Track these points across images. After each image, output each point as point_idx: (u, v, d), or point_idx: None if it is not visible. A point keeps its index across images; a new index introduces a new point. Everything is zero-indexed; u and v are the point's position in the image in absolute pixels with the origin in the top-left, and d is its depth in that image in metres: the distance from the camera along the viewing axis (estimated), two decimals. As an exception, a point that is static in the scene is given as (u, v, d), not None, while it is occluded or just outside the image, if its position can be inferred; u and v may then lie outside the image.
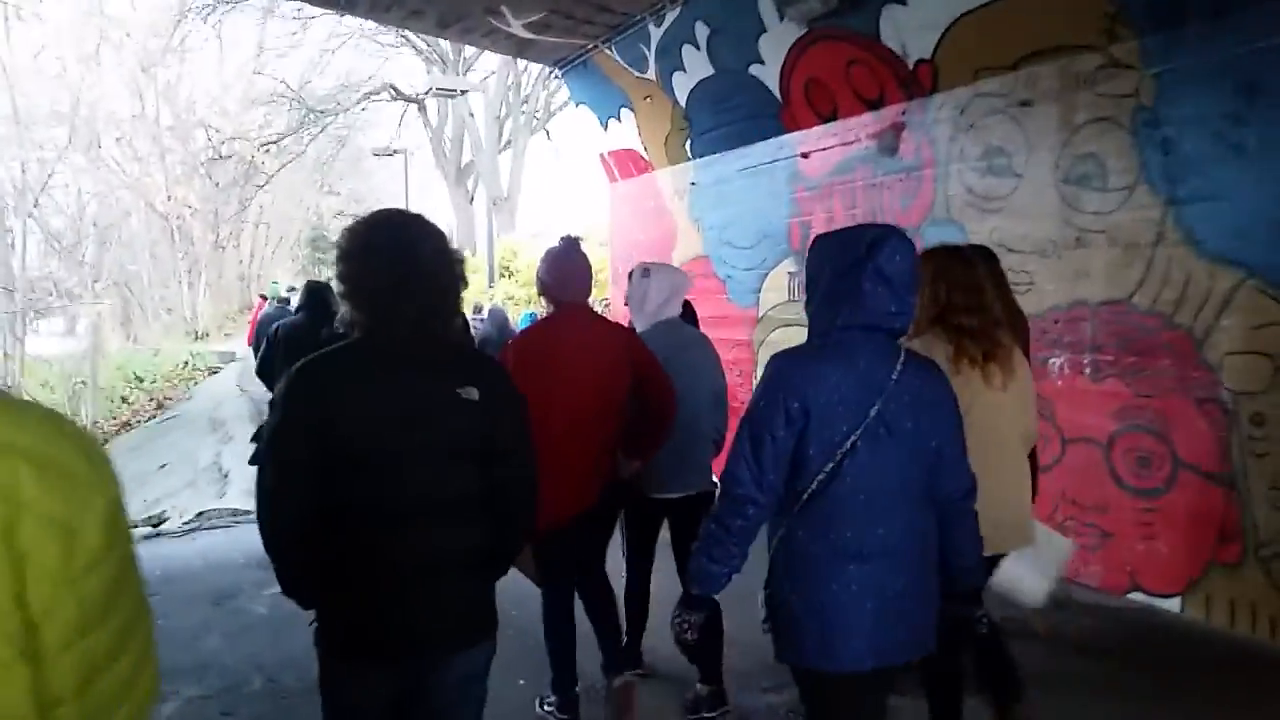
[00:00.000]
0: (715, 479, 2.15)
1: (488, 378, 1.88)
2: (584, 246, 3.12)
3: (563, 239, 3.12)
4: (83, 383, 16.76)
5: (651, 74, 7.06)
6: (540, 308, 4.24)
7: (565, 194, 37.02)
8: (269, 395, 3.76)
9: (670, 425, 3.01)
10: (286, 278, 23.07)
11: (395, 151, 22.10)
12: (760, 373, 1.97)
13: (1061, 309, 4.48)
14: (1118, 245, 4.22)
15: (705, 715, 3.17)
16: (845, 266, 1.87)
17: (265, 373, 5.64)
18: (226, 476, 9.06)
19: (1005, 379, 2.58)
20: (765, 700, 3.28)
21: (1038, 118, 4.57)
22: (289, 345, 5.20)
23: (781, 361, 1.93)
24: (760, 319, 6.71)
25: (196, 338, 25.82)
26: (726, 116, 6.74)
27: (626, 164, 8.33)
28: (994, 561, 2.64)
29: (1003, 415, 2.59)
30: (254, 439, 6.62)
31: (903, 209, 5.40)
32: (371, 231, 1.83)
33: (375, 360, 1.80)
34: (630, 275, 3.47)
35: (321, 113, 25.07)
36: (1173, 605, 4.04)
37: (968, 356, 2.54)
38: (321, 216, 32.16)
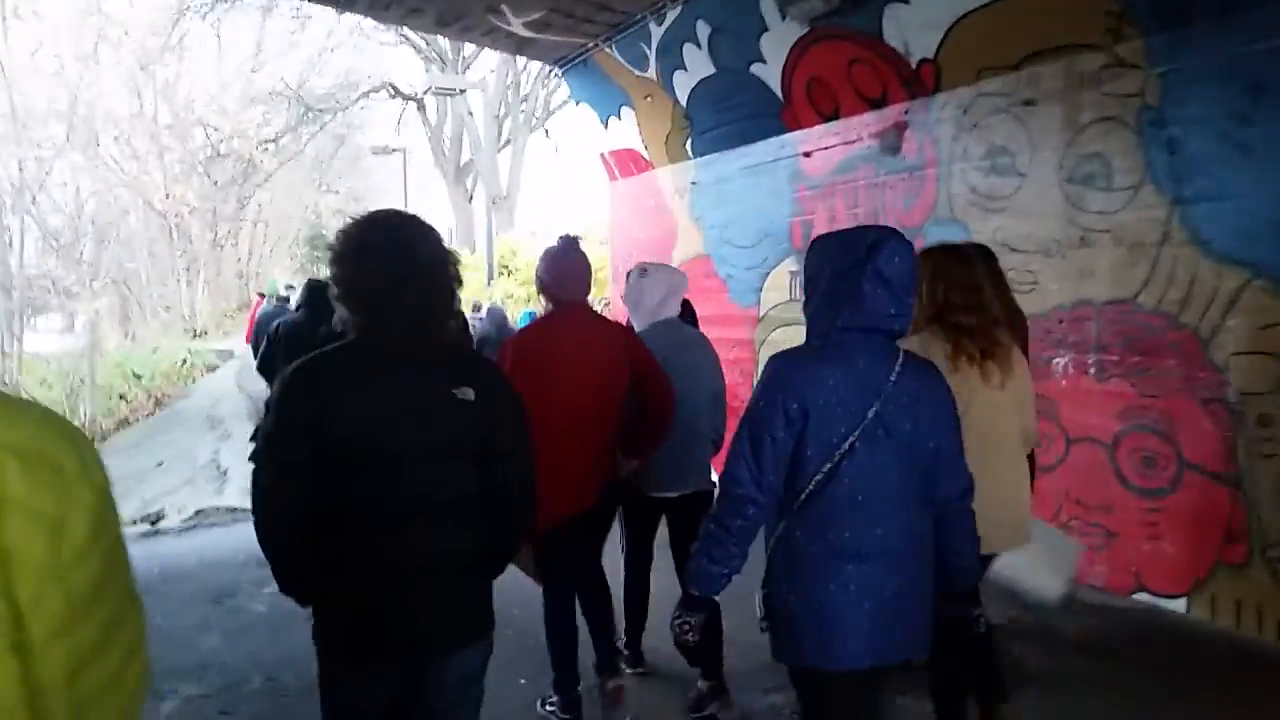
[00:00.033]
0: (714, 478, 2.14)
1: (484, 378, 1.88)
2: (583, 245, 3.13)
3: (561, 238, 3.12)
4: (81, 380, 16.72)
5: (652, 73, 7.04)
6: (539, 306, 4.23)
7: (564, 193, 37.04)
8: (268, 392, 3.76)
9: (669, 425, 3.01)
10: (285, 276, 23.06)
11: (394, 150, 22.07)
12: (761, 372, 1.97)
13: (1066, 309, 4.46)
14: (1123, 245, 4.21)
15: (709, 711, 3.17)
16: (845, 268, 1.89)
17: (266, 370, 5.67)
18: (225, 474, 9.04)
19: (1003, 377, 2.60)
20: (768, 701, 3.27)
21: (1042, 117, 4.56)
22: (290, 343, 5.26)
23: (780, 362, 1.94)
24: (761, 318, 6.69)
25: (195, 335, 25.74)
26: (728, 115, 6.72)
27: (627, 163, 8.30)
28: (988, 560, 2.64)
29: (1001, 414, 2.60)
30: (253, 437, 6.61)
31: (905, 208, 5.38)
32: (366, 233, 1.82)
33: (372, 361, 1.80)
34: (628, 276, 3.49)
35: (320, 111, 25.05)
36: (1178, 606, 4.03)
37: (966, 355, 2.56)
38: (320, 215, 32.09)
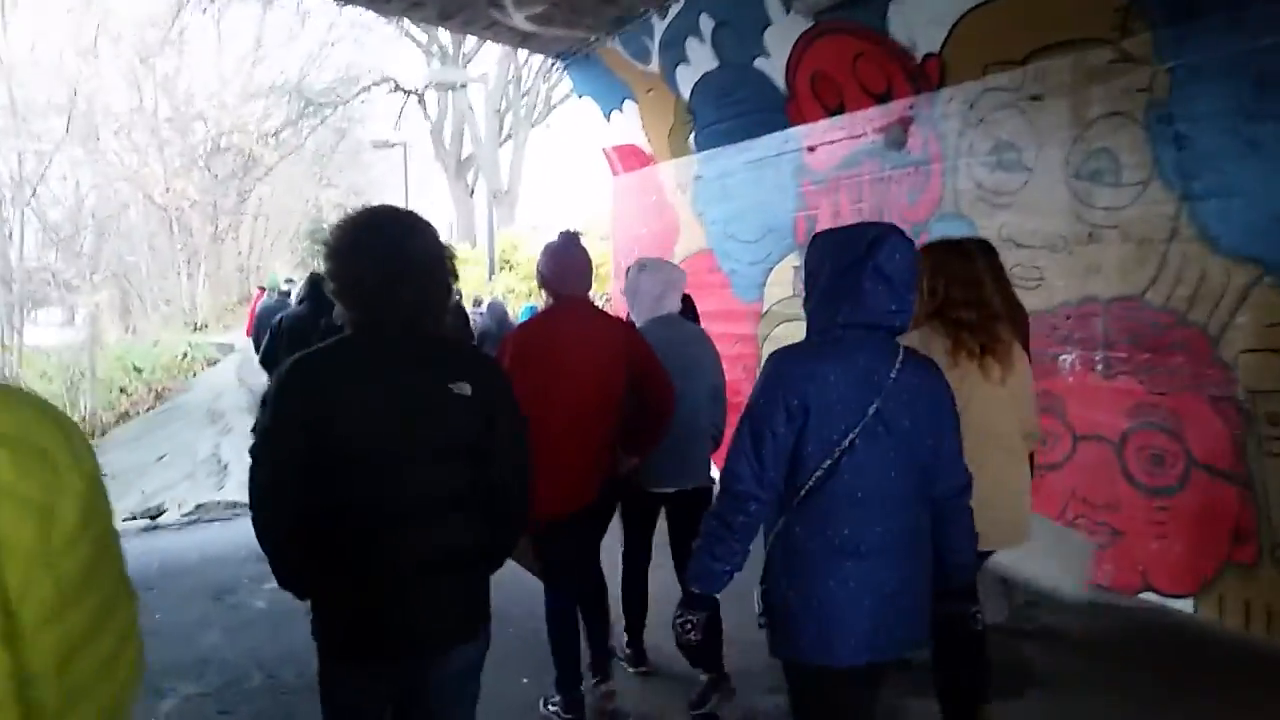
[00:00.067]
0: (714, 475, 2.12)
1: (480, 373, 1.87)
2: (585, 240, 3.13)
3: (562, 233, 3.11)
4: (81, 374, 16.72)
5: (655, 67, 7.00)
6: (540, 300, 4.20)
7: (566, 187, 36.97)
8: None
9: (669, 421, 3.00)
10: (285, 269, 23.00)
11: (395, 144, 22.04)
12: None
13: (1073, 305, 4.43)
14: (1130, 241, 4.17)
15: (712, 704, 3.16)
16: (845, 265, 1.89)
17: (269, 363, 5.69)
18: (225, 468, 9.04)
19: (1004, 373, 2.60)
20: (772, 701, 3.24)
21: (1048, 112, 4.52)
22: (292, 336, 5.29)
23: (781, 359, 1.95)
24: (764, 314, 6.66)
25: (195, 329, 25.75)
26: (731, 110, 6.68)
27: (629, 157, 8.27)
28: (985, 557, 2.64)
29: (1001, 410, 2.60)
30: (254, 430, 6.61)
31: (910, 203, 5.34)
32: (361, 229, 1.81)
33: (370, 357, 1.78)
34: (627, 271, 3.49)
35: (321, 105, 25.03)
36: (1185, 606, 4.00)
37: (966, 350, 2.56)
38: (320, 209, 32.07)
